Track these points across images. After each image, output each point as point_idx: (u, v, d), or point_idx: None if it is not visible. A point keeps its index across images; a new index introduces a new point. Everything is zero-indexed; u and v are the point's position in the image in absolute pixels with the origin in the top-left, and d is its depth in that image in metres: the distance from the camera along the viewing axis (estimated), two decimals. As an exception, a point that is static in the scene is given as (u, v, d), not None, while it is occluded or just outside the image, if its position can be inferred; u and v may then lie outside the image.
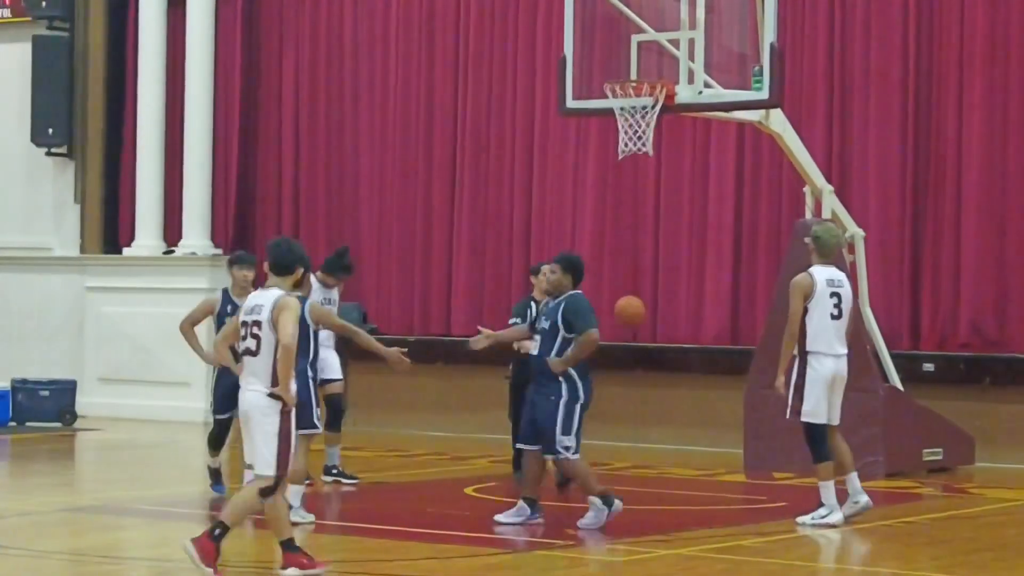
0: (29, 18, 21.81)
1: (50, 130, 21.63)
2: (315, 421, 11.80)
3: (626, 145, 14.19)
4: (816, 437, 11.95)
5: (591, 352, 11.73)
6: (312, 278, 13.15)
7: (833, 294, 12.06)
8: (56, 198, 21.97)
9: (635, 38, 14.60)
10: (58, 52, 21.63)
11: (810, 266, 12.24)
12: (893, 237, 17.21)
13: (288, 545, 9.47)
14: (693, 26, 14.28)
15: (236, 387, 12.39)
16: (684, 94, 14.25)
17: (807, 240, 12.57)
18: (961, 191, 16.99)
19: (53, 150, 21.82)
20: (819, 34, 17.72)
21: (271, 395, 9.32)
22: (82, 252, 21.73)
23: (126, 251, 21.42)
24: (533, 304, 13.64)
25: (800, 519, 11.99)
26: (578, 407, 11.61)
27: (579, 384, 11.61)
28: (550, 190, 19.13)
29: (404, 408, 19.69)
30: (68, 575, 10.14)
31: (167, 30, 21.25)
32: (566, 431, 11.55)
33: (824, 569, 10.90)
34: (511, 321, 13.77)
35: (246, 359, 9.47)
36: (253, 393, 9.41)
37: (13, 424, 19.55)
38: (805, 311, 11.97)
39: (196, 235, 20.92)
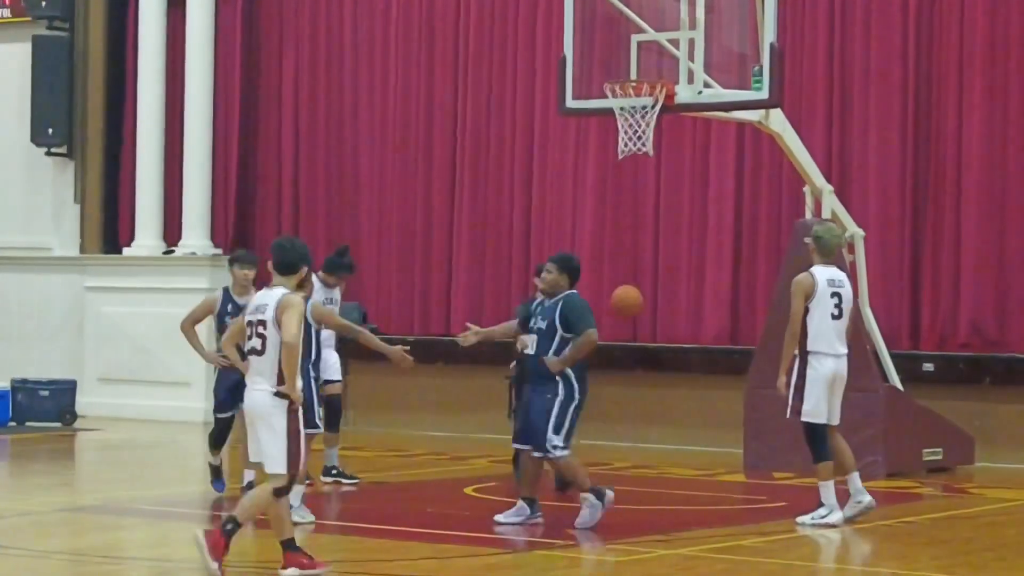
0: (29, 18, 21.80)
1: (50, 130, 21.62)
2: (316, 421, 11.81)
3: (626, 145, 14.19)
4: (816, 437, 11.96)
5: (590, 352, 11.74)
6: (314, 278, 13.15)
7: (834, 294, 12.07)
8: (56, 198, 21.97)
9: (635, 38, 14.60)
10: (58, 52, 21.62)
11: (811, 266, 12.24)
12: (893, 237, 17.21)
13: (288, 545, 9.48)
14: (693, 26, 14.28)
15: (237, 385, 12.43)
16: (684, 94, 14.25)
17: (808, 240, 12.56)
18: (961, 191, 16.99)
19: (53, 150, 21.81)
20: (819, 34, 17.72)
21: (277, 394, 9.34)
22: (82, 252, 21.73)
23: (126, 251, 21.42)
24: None
25: (800, 519, 12.00)
26: (572, 407, 11.63)
27: (575, 384, 11.63)
28: (550, 190, 19.13)
29: (404, 408, 19.69)
30: (68, 575, 10.14)
31: (167, 30, 21.25)
32: (557, 430, 11.56)
33: (824, 569, 10.90)
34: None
35: (252, 359, 9.49)
36: (259, 392, 9.43)
37: (13, 424, 19.56)
38: (806, 311, 11.98)
39: (196, 235, 20.92)
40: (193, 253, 20.79)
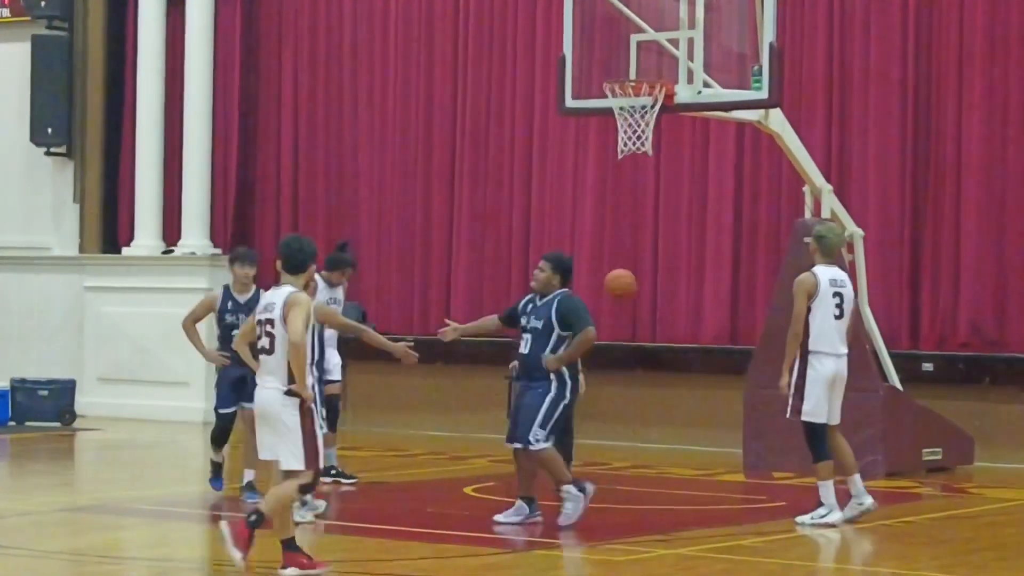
0: (28, 18, 21.79)
1: (49, 130, 21.61)
2: (320, 421, 11.82)
3: (625, 145, 14.20)
4: (816, 437, 11.96)
5: (587, 349, 11.78)
6: (317, 278, 13.16)
7: (836, 294, 12.07)
8: (55, 198, 21.97)
9: (634, 37, 14.60)
10: (57, 52, 21.62)
11: (812, 266, 12.23)
12: (892, 237, 17.21)
13: (289, 545, 9.49)
14: (692, 26, 14.28)
15: (239, 382, 12.48)
16: (683, 94, 14.25)
17: (809, 240, 12.56)
18: (961, 190, 16.99)
19: (52, 150, 21.81)
20: (818, 34, 17.72)
21: (288, 392, 9.37)
22: (81, 252, 21.73)
23: (125, 251, 21.42)
24: None
25: (799, 519, 11.99)
26: (563, 405, 11.66)
27: (568, 383, 11.66)
28: (549, 190, 19.13)
29: (403, 408, 19.69)
30: (68, 575, 10.14)
31: (166, 30, 21.24)
32: (543, 424, 11.59)
33: (823, 569, 10.90)
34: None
35: (262, 357, 9.55)
36: (269, 391, 9.47)
37: (12, 424, 19.56)
38: (808, 311, 11.98)
39: (195, 235, 20.92)
40: (192, 253, 20.79)
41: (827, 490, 11.95)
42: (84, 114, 21.65)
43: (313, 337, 9.84)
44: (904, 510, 13.14)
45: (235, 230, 20.96)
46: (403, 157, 20.09)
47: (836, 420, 12.12)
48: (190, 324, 12.88)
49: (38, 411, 19.67)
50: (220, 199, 21.11)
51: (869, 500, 12.07)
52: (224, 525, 9.48)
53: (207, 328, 13.28)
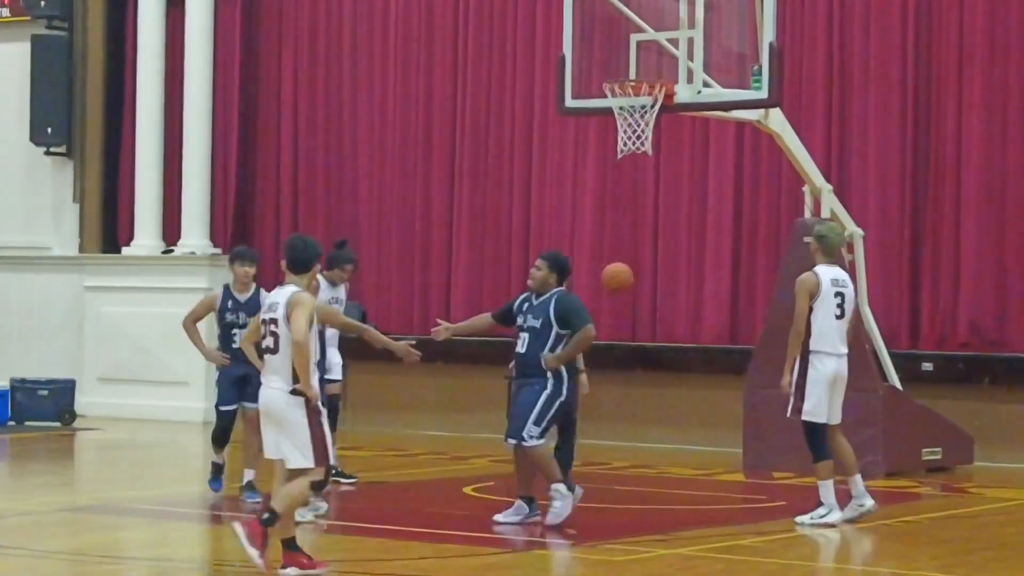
0: (28, 17, 21.80)
1: (49, 129, 21.62)
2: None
3: (625, 145, 14.19)
4: (816, 436, 11.96)
5: (587, 347, 11.83)
6: (319, 278, 13.15)
7: (837, 294, 12.08)
8: (55, 198, 21.97)
9: (634, 37, 14.60)
10: (57, 52, 21.62)
11: (813, 266, 12.23)
12: (892, 236, 17.21)
13: (289, 544, 9.49)
14: (692, 25, 14.28)
15: (241, 381, 12.50)
16: (683, 93, 14.25)
17: (810, 240, 12.56)
18: (960, 190, 16.99)
19: (52, 149, 21.81)
20: (818, 33, 17.72)
21: (294, 391, 9.39)
22: (81, 252, 21.73)
23: (125, 251, 21.42)
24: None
25: (799, 519, 11.99)
26: (558, 403, 11.67)
27: (565, 381, 11.67)
28: (549, 189, 19.13)
29: (403, 408, 19.69)
30: (68, 574, 10.14)
31: (166, 29, 21.25)
32: (538, 421, 11.61)
33: (823, 569, 10.90)
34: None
35: (266, 357, 9.58)
36: (274, 391, 9.49)
37: (12, 423, 19.56)
38: (810, 310, 11.97)
39: (195, 235, 20.92)
40: (192, 253, 20.79)
41: (827, 490, 11.95)
42: (84, 114, 21.65)
43: (314, 336, 9.86)
44: (904, 510, 13.14)
45: (235, 230, 20.96)
46: (403, 157, 20.09)
47: (837, 420, 12.12)
48: (190, 323, 12.88)
49: (38, 411, 19.68)
50: (220, 199, 21.11)
51: (870, 502, 12.07)
52: (238, 525, 9.48)
53: (207, 327, 13.27)
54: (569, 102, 14.89)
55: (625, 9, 14.83)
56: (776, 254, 17.30)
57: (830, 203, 15.61)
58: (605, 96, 14.34)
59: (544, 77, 18.77)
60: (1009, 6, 16.87)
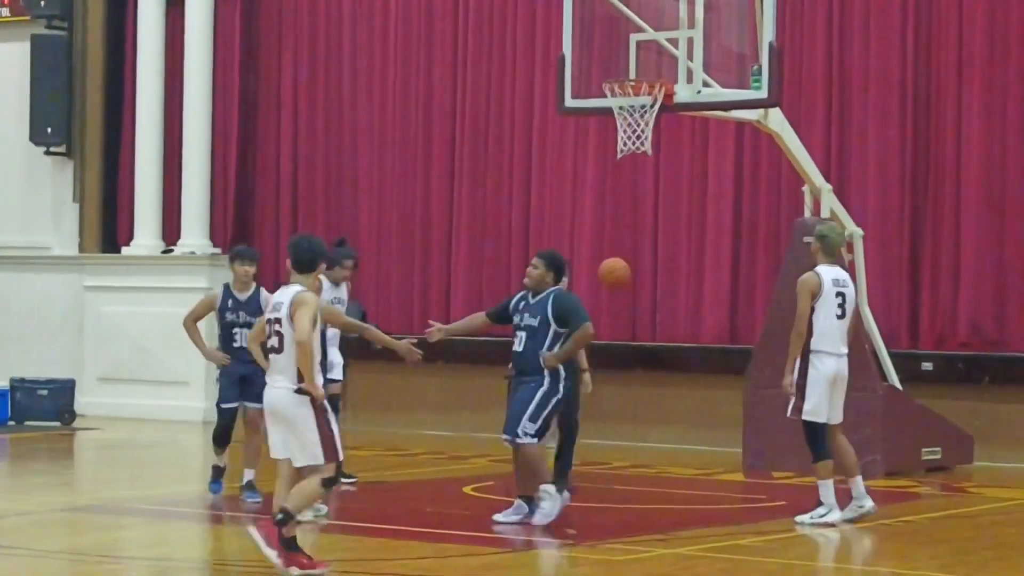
0: (28, 17, 21.81)
1: (49, 129, 21.63)
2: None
3: (625, 144, 14.20)
4: (816, 436, 11.96)
5: (585, 345, 11.90)
6: (321, 277, 13.14)
7: (838, 294, 12.08)
8: (55, 197, 21.97)
9: (634, 37, 14.59)
10: (57, 51, 21.62)
11: (815, 265, 12.24)
12: (892, 236, 17.21)
13: (289, 545, 9.49)
14: (692, 25, 14.28)
15: (241, 379, 12.51)
16: (683, 93, 14.25)
17: (810, 240, 12.56)
18: (960, 190, 16.99)
19: (52, 149, 21.81)
20: (818, 33, 17.72)
21: (299, 391, 9.40)
22: (81, 251, 21.73)
23: (125, 250, 21.42)
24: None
25: (799, 518, 11.99)
26: (555, 399, 11.67)
27: (562, 379, 11.68)
28: (549, 189, 19.14)
29: (403, 407, 19.70)
30: (68, 574, 10.14)
31: (166, 29, 21.25)
32: (533, 418, 11.61)
33: (823, 568, 10.90)
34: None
35: (271, 357, 9.60)
36: (279, 390, 9.51)
37: (12, 423, 19.56)
38: (812, 310, 11.97)
39: (195, 234, 20.92)
40: (192, 252, 20.79)
41: (827, 490, 11.96)
42: (84, 114, 21.66)
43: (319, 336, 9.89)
44: (903, 509, 13.14)
45: (234, 229, 20.97)
46: (403, 157, 20.10)
47: (838, 420, 12.12)
48: (191, 323, 12.89)
49: (38, 411, 19.68)
50: (220, 199, 21.11)
51: (869, 503, 12.06)
52: (252, 529, 9.47)
53: (208, 327, 13.27)
54: (569, 102, 14.89)
55: (625, 9, 14.83)
56: (776, 254, 17.30)
57: (830, 203, 15.61)
58: (605, 96, 14.34)
59: (544, 77, 18.77)
60: (1009, 6, 16.86)
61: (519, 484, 11.86)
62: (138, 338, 20.69)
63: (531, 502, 11.76)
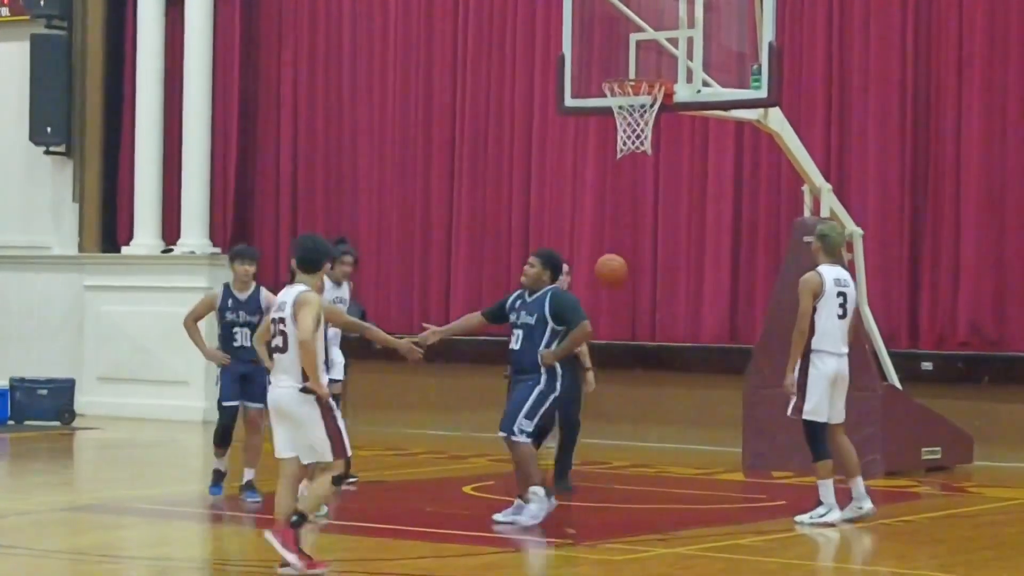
0: (27, 17, 21.80)
1: (48, 129, 21.63)
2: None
3: (625, 144, 14.20)
4: (816, 435, 11.96)
5: (583, 343, 11.99)
6: (324, 278, 13.14)
7: (840, 293, 12.09)
8: (54, 197, 21.97)
9: (633, 37, 14.59)
10: (56, 51, 21.62)
11: (815, 265, 12.23)
12: (892, 236, 17.21)
13: None
14: (692, 25, 14.28)
15: (242, 378, 12.53)
16: (683, 93, 14.25)
17: (811, 239, 12.56)
18: (960, 190, 16.99)
19: (51, 149, 21.81)
20: (818, 33, 17.72)
21: (303, 390, 9.41)
22: (80, 251, 21.74)
23: (124, 250, 21.42)
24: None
25: (799, 518, 11.99)
26: (552, 397, 11.67)
27: (559, 377, 11.68)
28: (549, 189, 19.14)
29: (403, 407, 19.69)
30: (68, 574, 10.14)
31: (166, 28, 21.25)
32: (530, 415, 11.59)
33: (823, 568, 10.90)
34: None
35: (276, 356, 9.61)
36: (284, 389, 9.52)
37: (11, 423, 19.56)
38: (814, 310, 11.97)
39: (194, 234, 20.92)
40: (192, 252, 20.79)
41: (826, 489, 11.96)
42: (83, 113, 21.66)
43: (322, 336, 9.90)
44: (903, 509, 13.14)
45: (234, 229, 20.97)
46: (402, 156, 20.10)
47: (840, 419, 12.12)
48: (191, 322, 12.89)
49: (37, 410, 19.69)
50: (219, 198, 21.11)
51: (868, 505, 12.06)
52: (269, 534, 9.45)
53: (208, 326, 13.27)
54: (569, 101, 14.89)
55: (625, 9, 14.83)
56: (776, 253, 17.30)
57: (829, 202, 15.61)
58: (604, 96, 14.33)
59: (544, 77, 18.77)
60: (1009, 7, 16.86)
61: (519, 483, 11.85)
62: (138, 338, 20.69)
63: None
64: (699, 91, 14.26)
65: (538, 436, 12.22)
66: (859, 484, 12.11)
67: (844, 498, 12.07)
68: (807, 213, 15.70)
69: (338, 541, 11.21)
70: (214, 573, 10.38)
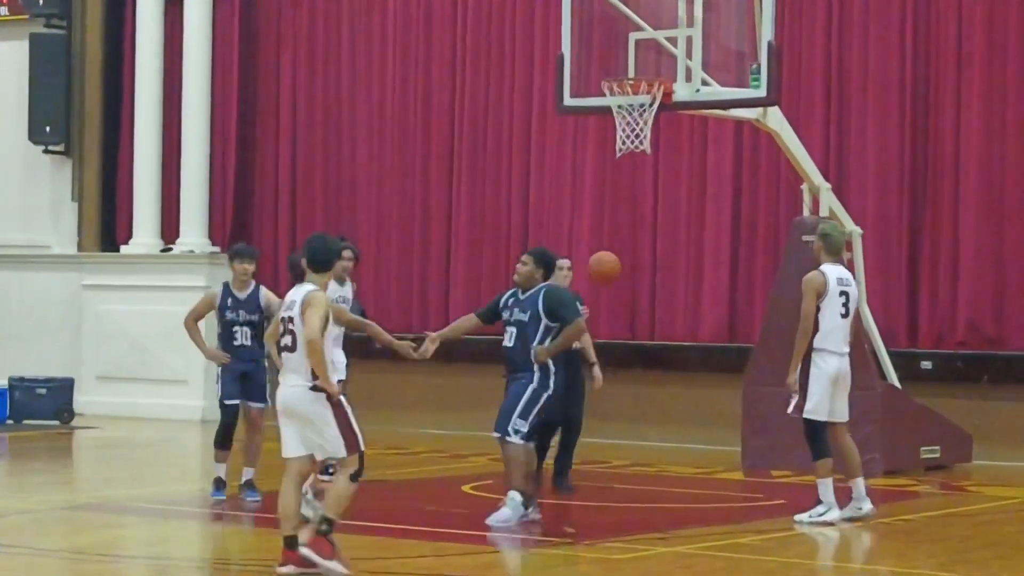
0: (26, 16, 21.81)
1: (47, 128, 21.63)
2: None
3: (624, 143, 14.20)
4: (816, 434, 11.96)
5: (576, 340, 12.03)
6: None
7: (842, 293, 12.08)
8: (54, 196, 21.98)
9: (633, 36, 14.59)
10: (55, 50, 21.62)
11: (817, 264, 12.23)
12: (891, 235, 17.21)
13: (290, 543, 9.49)
14: (691, 24, 14.28)
15: (242, 376, 12.54)
16: (682, 92, 14.25)
17: (811, 239, 12.55)
18: (959, 189, 17.00)
19: (51, 148, 21.82)
20: (817, 32, 17.72)
21: (314, 388, 9.41)
22: (80, 250, 21.74)
23: (124, 249, 21.42)
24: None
25: (798, 517, 11.99)
26: (545, 395, 11.65)
27: (552, 374, 11.66)
28: (548, 188, 19.14)
29: (403, 406, 19.69)
30: (67, 573, 10.14)
31: (164, 28, 21.24)
32: (524, 415, 11.57)
33: (822, 567, 10.90)
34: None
35: (284, 355, 9.62)
36: (293, 388, 9.52)
37: (10, 422, 19.56)
38: (817, 309, 11.96)
39: (193, 233, 20.92)
40: (191, 251, 20.79)
41: (826, 488, 11.95)
42: (82, 112, 21.66)
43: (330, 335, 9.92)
44: (902, 508, 13.14)
45: (233, 228, 20.97)
46: (401, 156, 20.10)
47: (843, 418, 12.12)
48: (192, 322, 12.89)
49: (36, 409, 19.69)
50: (218, 197, 21.11)
51: (868, 506, 12.06)
52: (305, 551, 9.40)
53: (207, 325, 13.26)
54: (568, 100, 14.89)
55: (624, 7, 14.83)
56: (775, 252, 17.30)
57: (828, 201, 15.61)
58: (604, 95, 14.33)
59: (543, 76, 18.78)
60: (1007, 6, 16.87)
61: (504, 483, 11.82)
62: (137, 337, 20.69)
63: (528, 500, 11.68)
64: (698, 90, 14.26)
65: (544, 433, 12.21)
66: (860, 484, 12.11)
67: (845, 497, 12.07)
68: (806, 212, 15.70)
69: (339, 540, 11.20)
70: (214, 572, 10.38)
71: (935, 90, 17.19)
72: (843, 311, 12.05)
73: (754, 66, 14.04)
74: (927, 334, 17.06)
